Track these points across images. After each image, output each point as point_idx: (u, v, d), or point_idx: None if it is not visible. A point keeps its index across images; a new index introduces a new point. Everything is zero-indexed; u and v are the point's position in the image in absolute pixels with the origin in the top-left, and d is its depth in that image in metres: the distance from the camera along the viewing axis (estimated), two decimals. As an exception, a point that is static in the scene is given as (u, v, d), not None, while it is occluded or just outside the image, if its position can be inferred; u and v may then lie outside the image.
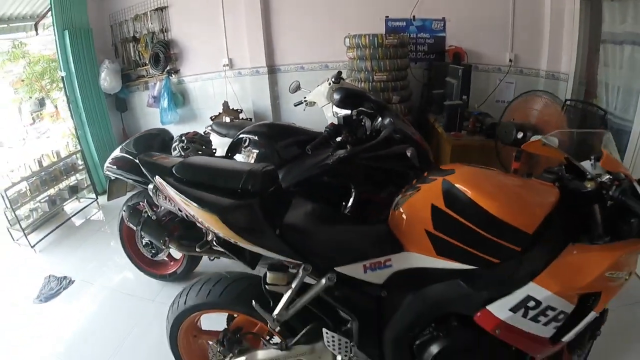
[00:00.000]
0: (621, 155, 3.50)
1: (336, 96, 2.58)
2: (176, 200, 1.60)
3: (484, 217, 1.39)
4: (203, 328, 2.09)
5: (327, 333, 1.63)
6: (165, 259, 3.24)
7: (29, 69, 6.76)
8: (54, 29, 4.91)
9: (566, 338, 1.49)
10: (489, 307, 1.41)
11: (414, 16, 4.86)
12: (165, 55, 5.31)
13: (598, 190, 1.47)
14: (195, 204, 1.48)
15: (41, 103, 8.83)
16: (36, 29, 6.09)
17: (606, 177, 1.51)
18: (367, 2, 4.90)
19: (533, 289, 1.38)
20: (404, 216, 1.55)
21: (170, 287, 3.23)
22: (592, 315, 1.47)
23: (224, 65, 5.31)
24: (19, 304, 3.34)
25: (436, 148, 4.16)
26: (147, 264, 3.33)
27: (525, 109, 3.74)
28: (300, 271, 1.48)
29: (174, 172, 1.62)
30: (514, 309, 1.39)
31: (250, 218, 1.44)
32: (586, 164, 1.60)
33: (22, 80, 7.40)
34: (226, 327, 1.87)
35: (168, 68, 5.43)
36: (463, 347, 1.53)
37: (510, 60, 4.91)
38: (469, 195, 1.42)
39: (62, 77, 5.12)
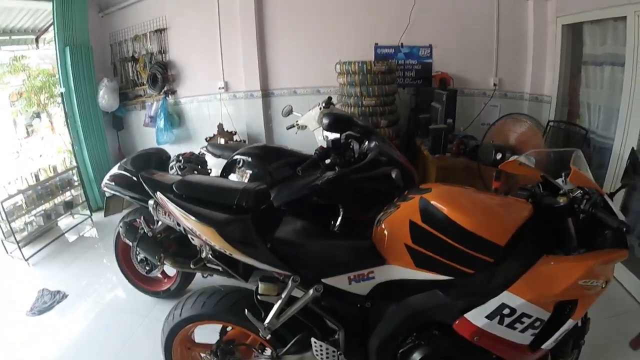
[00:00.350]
0: (603, 171, 3.66)
1: (325, 121, 2.67)
2: (176, 215, 1.72)
3: (458, 231, 1.48)
4: (196, 341, 2.14)
5: (315, 342, 1.71)
6: (159, 275, 3.28)
7: (28, 83, 6.83)
8: (55, 45, 5.00)
9: (545, 345, 1.57)
10: (467, 315, 1.49)
11: (402, 43, 5.01)
12: (163, 76, 5.42)
13: (570, 205, 1.55)
14: (193, 218, 1.60)
15: (37, 117, 8.86)
16: (37, 43, 6.21)
17: (578, 192, 1.60)
18: (357, 30, 5.05)
19: (507, 297, 1.46)
20: (385, 232, 1.64)
21: (163, 303, 3.25)
22: (570, 322, 1.55)
23: (219, 88, 5.42)
24: (11, 316, 3.36)
25: (422, 170, 4.28)
26: (141, 280, 3.35)
27: (504, 132, 3.89)
28: (290, 282, 1.57)
29: (174, 188, 1.75)
30: (489, 317, 1.47)
31: (244, 231, 1.56)
32: (560, 181, 1.71)
33: (19, 94, 7.46)
34: (219, 339, 1.93)
35: (165, 89, 5.53)
36: (444, 354, 1.60)
37: (495, 85, 5.05)
38: (444, 211, 1.52)
39: (62, 92, 5.19)
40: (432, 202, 1.58)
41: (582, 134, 4.17)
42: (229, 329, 1.94)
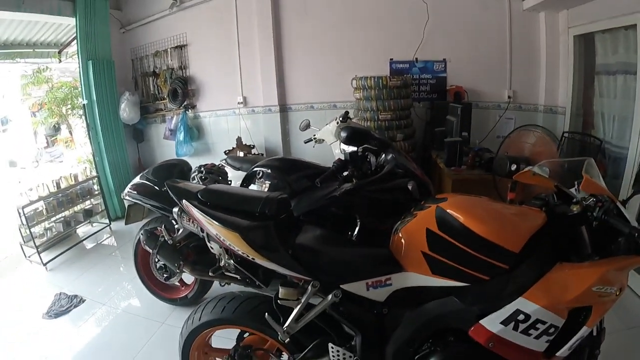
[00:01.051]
0: (618, 180, 3.65)
1: (343, 134, 2.75)
2: (200, 221, 1.79)
3: (473, 239, 1.51)
4: (213, 346, 2.18)
5: (332, 347, 1.73)
6: (177, 283, 3.31)
7: (51, 94, 7.05)
8: (78, 59, 5.17)
9: (560, 353, 1.56)
10: (482, 322, 1.51)
11: (416, 58, 5.08)
12: (183, 90, 5.56)
13: (583, 213, 1.58)
14: (218, 224, 1.67)
15: (56, 128, 9.04)
16: (59, 57, 6.37)
17: (590, 200, 1.62)
18: (372, 46, 5.14)
19: (522, 303, 1.47)
20: (402, 240, 1.68)
21: (180, 310, 3.29)
22: (584, 330, 1.55)
23: (238, 103, 5.54)
24: (28, 318, 3.42)
25: (438, 182, 4.30)
26: (159, 288, 3.39)
27: (518, 143, 3.90)
28: (310, 287, 1.61)
29: (199, 196, 1.82)
30: (504, 322, 1.48)
31: (267, 237, 1.62)
32: (573, 190, 1.73)
33: (40, 105, 7.65)
34: (236, 344, 1.97)
35: (185, 103, 5.67)
36: None
37: (509, 97, 5.07)
38: (460, 220, 1.56)
39: (84, 104, 5.34)
40: (448, 210, 1.61)
41: (596, 144, 4.16)
42: (246, 335, 1.97)
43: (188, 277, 3.23)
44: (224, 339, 2.07)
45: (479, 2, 4.93)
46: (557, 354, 1.57)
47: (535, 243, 1.53)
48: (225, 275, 2.15)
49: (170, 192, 2.08)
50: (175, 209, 2.42)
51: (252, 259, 1.65)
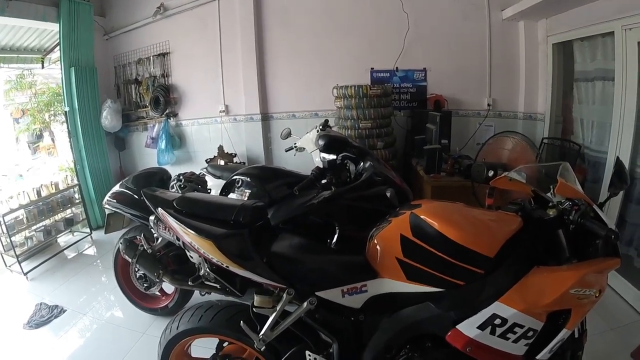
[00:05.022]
0: (598, 185, 3.72)
1: (321, 142, 2.75)
2: (176, 230, 1.79)
3: (447, 244, 1.52)
4: (193, 355, 2.17)
5: (309, 355, 1.72)
6: (157, 293, 3.28)
7: (34, 100, 7.04)
8: (61, 65, 5.13)
9: (540, 356, 1.58)
10: (459, 327, 1.52)
11: (397, 67, 5.13)
12: (165, 98, 5.55)
13: (560, 217, 1.60)
14: (193, 232, 1.67)
15: (39, 135, 8.94)
16: (42, 62, 6.31)
17: (567, 204, 1.64)
18: (354, 55, 5.19)
19: (498, 308, 1.48)
20: (377, 246, 1.69)
21: (161, 320, 3.25)
22: (564, 332, 1.56)
23: (220, 111, 5.54)
24: (8, 329, 3.37)
25: (419, 189, 4.32)
26: (140, 298, 3.36)
27: (496, 150, 3.98)
28: (285, 295, 1.61)
29: (175, 204, 1.82)
30: (481, 327, 1.49)
31: (241, 245, 1.62)
32: (550, 194, 1.75)
33: (22, 111, 7.56)
34: (215, 353, 1.96)
35: (167, 111, 5.65)
36: None
37: (489, 105, 5.15)
38: (433, 226, 1.57)
39: (66, 112, 5.29)
40: (421, 216, 1.62)
41: (576, 150, 4.22)
42: (225, 344, 1.96)
43: (168, 287, 3.20)
44: (204, 348, 2.07)
45: (459, 12, 5.01)
46: (538, 357, 1.58)
47: (511, 247, 1.54)
48: (205, 285, 2.15)
49: (146, 201, 2.07)
50: (152, 218, 2.42)
51: (227, 267, 1.65)
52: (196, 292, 3.10)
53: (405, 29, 4.98)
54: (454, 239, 1.52)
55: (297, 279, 1.64)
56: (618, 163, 1.96)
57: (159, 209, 1.91)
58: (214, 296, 2.18)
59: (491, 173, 1.97)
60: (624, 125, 3.55)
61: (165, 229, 2.43)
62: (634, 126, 3.48)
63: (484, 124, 5.16)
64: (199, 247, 1.70)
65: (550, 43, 4.77)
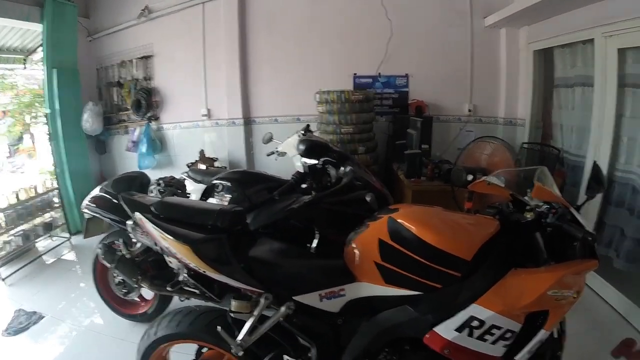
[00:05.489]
0: (577, 188, 3.80)
1: (301, 147, 2.72)
2: (153, 235, 1.76)
3: (424, 248, 1.53)
4: None
5: None
6: (136, 299, 3.25)
7: (16, 100, 6.95)
8: (44, 66, 5.06)
9: (519, 357, 1.59)
10: (436, 329, 1.53)
11: (379, 73, 5.20)
12: (147, 102, 5.51)
13: (537, 220, 1.64)
14: (170, 237, 1.64)
15: (19, 137, 8.80)
16: (24, 63, 6.22)
17: (544, 207, 1.68)
18: (337, 61, 5.23)
19: (476, 310, 1.50)
20: (355, 250, 1.70)
21: (140, 327, 3.16)
22: (543, 333, 1.58)
23: (202, 115, 5.52)
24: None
25: (399, 194, 4.37)
26: (119, 303, 3.31)
27: (475, 154, 4.03)
28: (262, 300, 1.59)
29: (152, 209, 1.79)
30: (459, 329, 1.50)
31: (219, 250, 1.60)
32: (527, 198, 1.78)
33: (4, 112, 7.43)
34: (195, 358, 1.94)
35: (149, 115, 5.61)
36: None
37: (470, 110, 5.25)
38: (411, 230, 1.58)
39: (47, 113, 5.21)
40: (399, 220, 1.64)
41: (555, 154, 4.30)
42: (204, 350, 1.94)
43: (148, 293, 3.17)
44: (183, 354, 2.04)
45: (442, 20, 5.09)
46: (516, 357, 1.59)
47: (489, 250, 1.56)
48: (184, 290, 2.12)
49: (124, 205, 2.05)
50: (130, 222, 2.38)
51: (204, 272, 1.63)
52: (175, 298, 3.08)
53: (388, 35, 5.06)
54: (432, 242, 1.54)
55: (274, 283, 1.63)
56: (595, 167, 2.01)
57: (137, 213, 1.89)
58: (194, 301, 2.17)
59: (470, 177, 2.01)
60: (603, 130, 3.62)
61: (143, 234, 2.40)
62: (613, 131, 3.56)
63: (464, 129, 5.26)
64: (176, 252, 1.67)
65: (532, 50, 4.87)
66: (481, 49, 5.18)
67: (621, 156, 3.59)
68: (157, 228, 1.71)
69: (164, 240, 1.69)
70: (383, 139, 5.26)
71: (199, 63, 5.43)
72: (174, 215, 1.76)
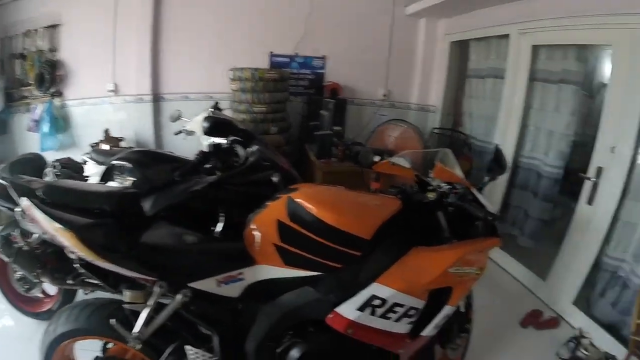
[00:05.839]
0: (483, 172, 4.10)
1: (205, 124, 2.60)
2: (40, 221, 1.60)
3: (323, 228, 1.53)
4: (77, 359, 2.02)
5: (190, 350, 1.64)
6: (40, 295, 3.01)
7: None
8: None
9: (426, 332, 1.65)
10: (338, 309, 1.54)
11: (296, 53, 5.18)
12: (51, 76, 5.02)
13: (439, 199, 1.69)
14: (56, 224, 1.49)
15: None
16: None
17: (446, 187, 1.73)
18: (254, 38, 5.12)
19: (377, 288, 1.52)
20: (254, 232, 1.66)
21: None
22: (447, 309, 1.65)
23: (109, 91, 5.14)
24: None
25: (311, 175, 4.39)
26: (22, 301, 3.05)
27: (384, 137, 4.16)
28: (156, 288, 1.51)
29: (39, 193, 1.64)
30: (361, 309, 1.52)
31: (106, 236, 1.47)
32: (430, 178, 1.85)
33: None
34: (98, 356, 1.82)
35: (52, 90, 5.12)
36: (322, 350, 1.64)
37: (384, 95, 5.43)
38: (309, 210, 1.57)
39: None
40: (298, 200, 1.62)
41: (462, 139, 4.59)
42: (109, 345, 1.83)
43: (51, 287, 2.93)
44: (89, 351, 1.89)
45: (364, 4, 5.17)
46: (423, 333, 1.65)
47: (390, 229, 1.58)
48: (86, 282, 2.00)
49: (12, 190, 1.88)
50: (18, 209, 2.20)
51: (91, 260, 1.49)
52: (80, 291, 2.91)
53: (308, 16, 5.03)
54: (330, 222, 1.54)
55: (168, 270, 1.55)
56: (497, 150, 2.11)
57: (24, 198, 1.73)
58: (99, 293, 2.04)
59: (377, 158, 2.03)
60: (511, 120, 3.91)
61: (32, 222, 2.24)
62: (520, 121, 3.85)
63: (378, 112, 5.41)
64: (63, 240, 1.52)
65: (448, 41, 5.15)
66: (400, 36, 5.33)
67: (527, 144, 3.91)
68: (43, 214, 1.57)
69: (50, 227, 1.55)
70: (297, 119, 5.26)
71: (109, 33, 5.02)
72: (63, 200, 1.62)
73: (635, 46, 2.75)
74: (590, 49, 3.54)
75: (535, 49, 3.76)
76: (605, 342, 2.84)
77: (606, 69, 3.59)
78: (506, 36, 4.04)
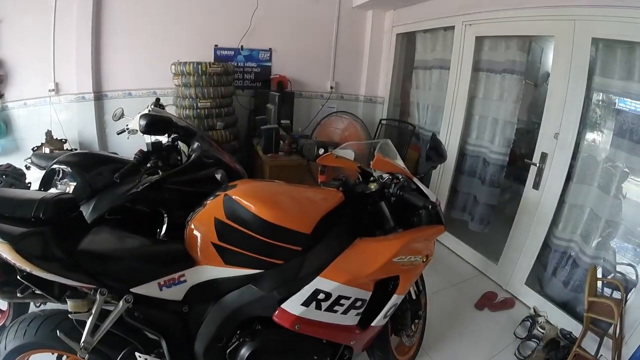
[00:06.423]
0: None
1: (142, 122, 2.48)
2: None
3: (261, 225, 1.54)
4: None
5: (139, 357, 1.63)
6: None
7: None
8: None
9: (375, 322, 1.68)
10: (284, 306, 1.56)
11: (242, 46, 5.08)
12: (-10, 77, 4.70)
13: (381, 190, 1.72)
14: None
15: None
16: None
17: (387, 178, 1.76)
18: (197, 31, 4.98)
19: (320, 283, 1.54)
20: (194, 232, 1.65)
21: None
22: (396, 297, 1.68)
23: (49, 90, 4.89)
24: None
25: (259, 170, 4.40)
26: None
27: (329, 129, 4.19)
28: (98, 296, 1.48)
29: None
30: (305, 303, 1.54)
31: (42, 245, 1.43)
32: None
33: None
34: None
35: (-9, 92, 4.80)
36: (271, 347, 1.65)
37: (332, 88, 5.43)
38: (246, 207, 1.57)
39: None
40: (234, 197, 1.62)
41: (409, 130, 4.67)
42: (64, 357, 1.77)
43: (1, 302, 2.80)
44: None
45: (310, -5, 5.08)
46: (373, 324, 1.68)
47: (332, 222, 1.60)
48: (37, 294, 1.93)
49: None
50: None
51: (30, 271, 1.44)
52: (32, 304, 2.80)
53: (253, 7, 4.94)
54: (267, 218, 1.54)
55: (108, 276, 1.52)
56: (433, 139, 2.15)
57: None
58: (51, 305, 1.96)
59: (321, 151, 2.04)
60: (456, 109, 4.04)
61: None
62: (465, 110, 3.98)
63: (326, 105, 5.42)
64: (0, 251, 1.46)
65: (395, 33, 5.22)
66: (346, 28, 5.35)
67: (473, 132, 4.05)
68: None
69: None
70: (244, 114, 5.20)
71: (49, 29, 4.75)
72: None
73: (576, 37, 2.89)
74: (534, 40, 3.71)
75: (479, 40, 3.88)
76: (560, 319, 3.00)
77: (550, 59, 3.74)
78: (452, 28, 4.14)
